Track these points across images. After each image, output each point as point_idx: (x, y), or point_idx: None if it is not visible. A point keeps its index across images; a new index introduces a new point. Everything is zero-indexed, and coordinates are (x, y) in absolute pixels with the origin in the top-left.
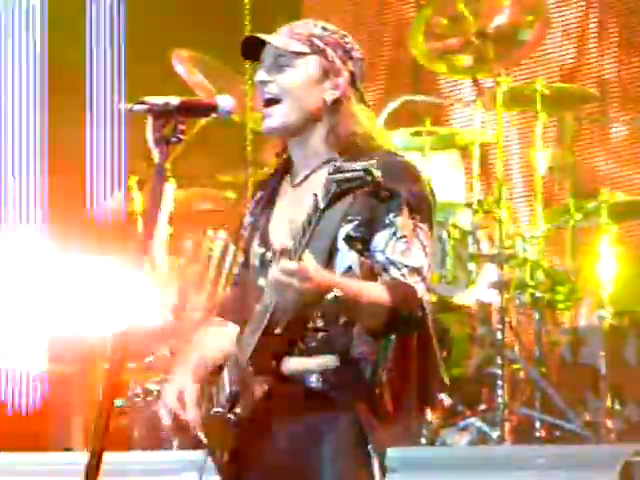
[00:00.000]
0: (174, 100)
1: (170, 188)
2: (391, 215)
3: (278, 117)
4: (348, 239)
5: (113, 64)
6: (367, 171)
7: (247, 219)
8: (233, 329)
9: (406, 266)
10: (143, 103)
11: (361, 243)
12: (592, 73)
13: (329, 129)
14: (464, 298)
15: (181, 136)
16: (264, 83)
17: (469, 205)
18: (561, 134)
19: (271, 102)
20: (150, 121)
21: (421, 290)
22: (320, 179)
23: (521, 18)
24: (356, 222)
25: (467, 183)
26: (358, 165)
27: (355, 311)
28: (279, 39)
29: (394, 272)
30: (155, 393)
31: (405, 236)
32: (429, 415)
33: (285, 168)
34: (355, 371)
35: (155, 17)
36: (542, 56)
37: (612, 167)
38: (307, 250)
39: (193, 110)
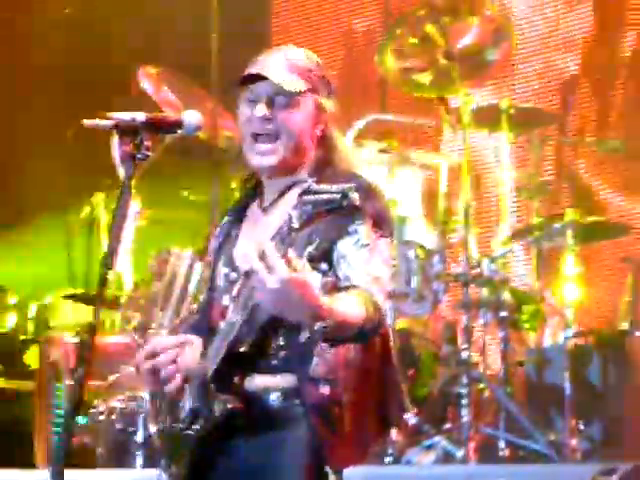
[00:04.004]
0: (140, 116)
1: (135, 206)
2: (355, 224)
3: (277, 157)
4: (311, 259)
5: None
6: (344, 194)
7: (213, 245)
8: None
9: (367, 273)
10: (109, 119)
11: (323, 260)
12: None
13: (316, 160)
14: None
15: (147, 153)
16: (264, 120)
17: (435, 224)
18: (528, 154)
19: (267, 138)
20: (116, 137)
21: (381, 299)
22: (291, 200)
23: (488, 38)
24: (318, 240)
25: (432, 202)
26: (335, 188)
27: (332, 333)
28: (282, 76)
29: (355, 279)
30: (119, 410)
31: (368, 244)
32: (394, 434)
33: (255, 192)
34: (314, 390)
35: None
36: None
37: (576, 187)
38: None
39: (159, 126)
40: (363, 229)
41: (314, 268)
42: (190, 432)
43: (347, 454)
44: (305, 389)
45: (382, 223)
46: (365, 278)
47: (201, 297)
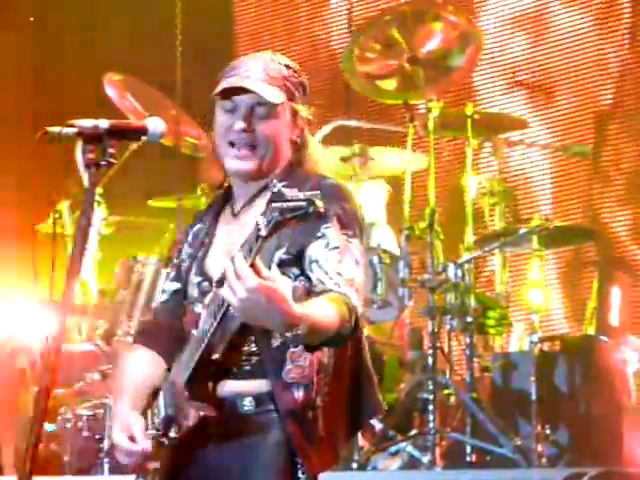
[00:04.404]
0: (104, 123)
1: (100, 213)
2: (323, 227)
3: (255, 162)
4: (281, 264)
5: None
6: (310, 201)
7: (185, 250)
8: (157, 356)
9: (340, 275)
10: (72, 126)
11: (294, 264)
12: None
13: (287, 163)
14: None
15: (111, 160)
16: (244, 131)
17: (401, 230)
18: (493, 160)
19: (244, 146)
20: (79, 145)
21: (355, 300)
22: (261, 205)
23: (453, 44)
24: (287, 245)
25: (398, 208)
26: (302, 195)
27: (307, 339)
28: (262, 86)
29: (328, 282)
30: (85, 418)
31: (338, 247)
32: (360, 440)
33: (226, 197)
34: (288, 395)
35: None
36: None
37: (545, 193)
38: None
39: (123, 133)
40: (331, 232)
41: (284, 273)
42: (164, 440)
43: (322, 458)
44: (279, 394)
45: (351, 224)
46: (338, 281)
47: (163, 297)
